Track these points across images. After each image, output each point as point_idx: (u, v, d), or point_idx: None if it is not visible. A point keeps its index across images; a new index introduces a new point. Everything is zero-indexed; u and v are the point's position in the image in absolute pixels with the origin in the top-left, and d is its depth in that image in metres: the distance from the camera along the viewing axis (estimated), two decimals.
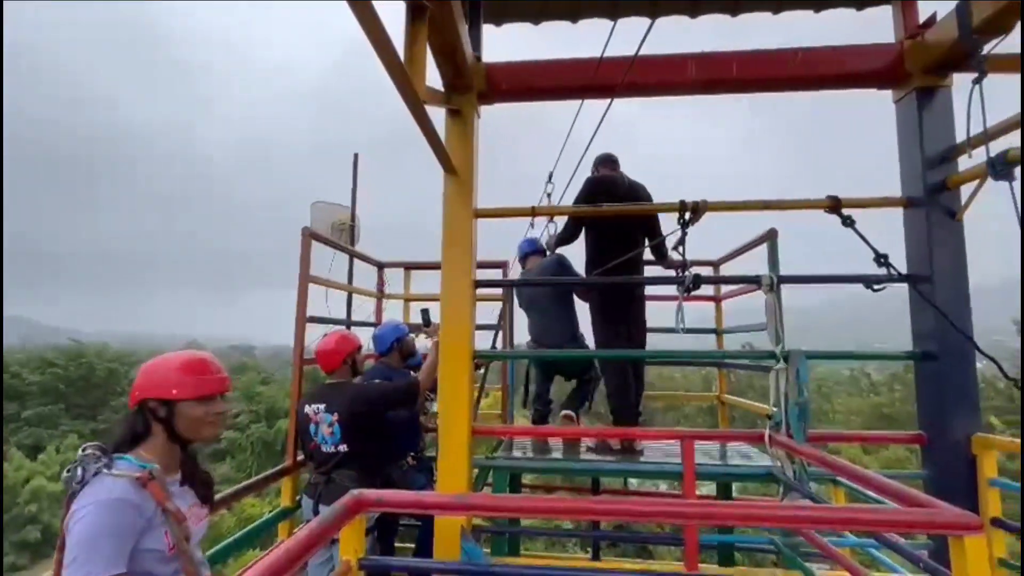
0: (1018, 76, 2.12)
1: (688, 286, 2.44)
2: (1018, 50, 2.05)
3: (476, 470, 2.67)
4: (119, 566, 1.15)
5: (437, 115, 2.51)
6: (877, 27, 2.78)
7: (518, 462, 2.97)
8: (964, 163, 2.34)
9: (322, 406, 2.66)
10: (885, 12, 2.71)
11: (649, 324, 3.33)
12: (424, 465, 3.30)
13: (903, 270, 2.42)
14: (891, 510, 1.36)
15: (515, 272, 3.99)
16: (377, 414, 2.72)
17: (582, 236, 3.33)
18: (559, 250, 3.50)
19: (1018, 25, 2.01)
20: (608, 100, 2.63)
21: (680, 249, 2.49)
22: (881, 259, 2.34)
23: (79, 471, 1.23)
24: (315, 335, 3.05)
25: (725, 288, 3.90)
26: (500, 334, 3.86)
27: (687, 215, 2.46)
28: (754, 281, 2.52)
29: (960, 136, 2.32)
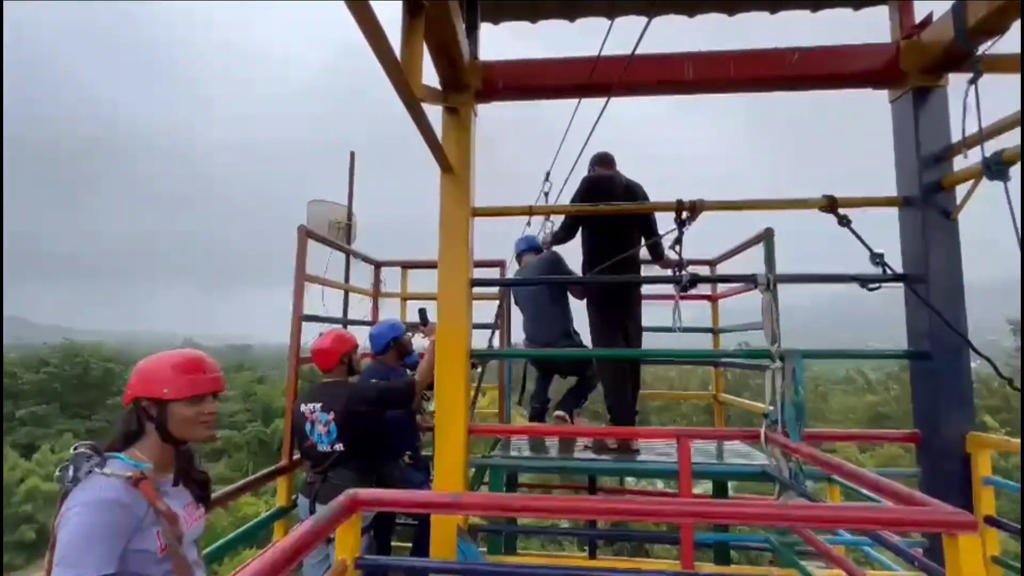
0: (1012, 76, 2.14)
1: (685, 285, 2.45)
2: (1012, 51, 2.06)
3: (473, 469, 2.67)
4: (109, 567, 1.13)
5: (434, 113, 2.51)
6: (874, 27, 2.79)
7: (515, 461, 2.97)
8: (959, 163, 2.36)
9: (318, 405, 2.65)
10: (882, 12, 2.72)
11: (646, 323, 3.34)
12: (421, 464, 3.30)
13: (899, 270, 2.43)
14: (886, 508, 1.36)
15: (512, 271, 3.99)
16: (374, 413, 2.71)
17: (579, 235, 3.33)
18: (554, 248, 3.51)
19: (1013, 26, 2.02)
20: (605, 99, 2.63)
21: (677, 248, 2.50)
22: (877, 259, 2.35)
23: (71, 470, 1.21)
24: (312, 334, 3.05)
25: (721, 287, 3.91)
26: (497, 333, 3.86)
27: (684, 214, 2.47)
28: (750, 280, 2.52)
29: (956, 136, 2.33)
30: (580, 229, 3.30)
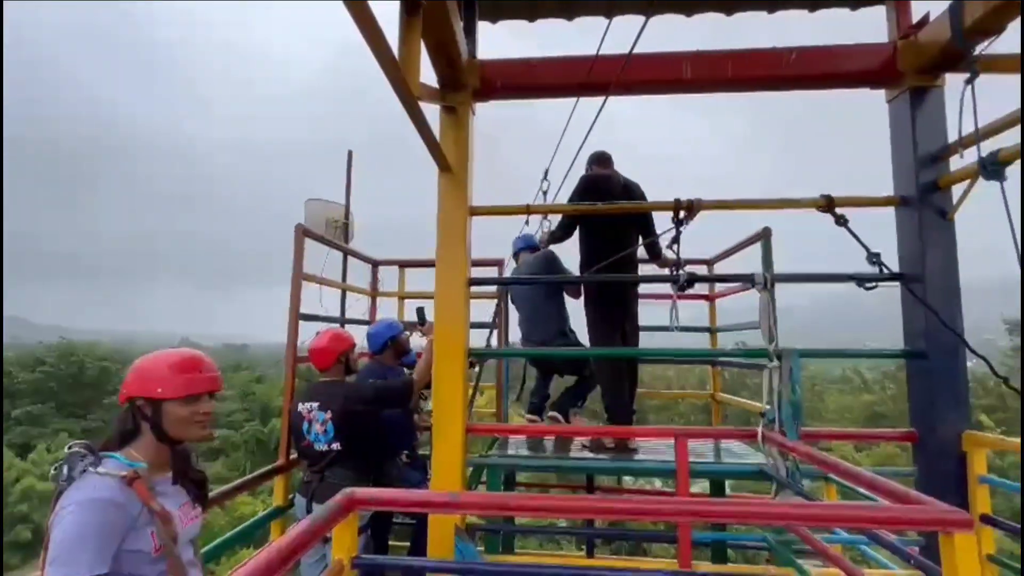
0: (1008, 76, 2.14)
1: (682, 284, 2.45)
2: (1008, 51, 2.07)
3: (470, 468, 2.67)
4: (102, 567, 1.12)
5: (432, 113, 2.50)
6: (871, 27, 2.79)
7: (512, 460, 2.97)
8: (956, 163, 2.36)
9: (315, 404, 2.65)
10: (879, 12, 2.73)
11: (643, 323, 3.34)
12: (418, 463, 3.30)
13: (895, 269, 2.44)
14: (882, 507, 1.37)
15: (510, 270, 3.99)
16: (371, 413, 2.71)
17: (576, 234, 3.33)
18: (551, 247, 3.51)
19: (1009, 26, 2.03)
20: (603, 98, 2.63)
21: (674, 247, 2.50)
22: (874, 258, 2.36)
23: (65, 469, 1.21)
24: (309, 333, 3.04)
25: (719, 287, 3.91)
26: (495, 332, 3.86)
27: (682, 213, 2.47)
28: (748, 280, 2.52)
29: (952, 136, 2.34)
30: (578, 228, 3.30)
